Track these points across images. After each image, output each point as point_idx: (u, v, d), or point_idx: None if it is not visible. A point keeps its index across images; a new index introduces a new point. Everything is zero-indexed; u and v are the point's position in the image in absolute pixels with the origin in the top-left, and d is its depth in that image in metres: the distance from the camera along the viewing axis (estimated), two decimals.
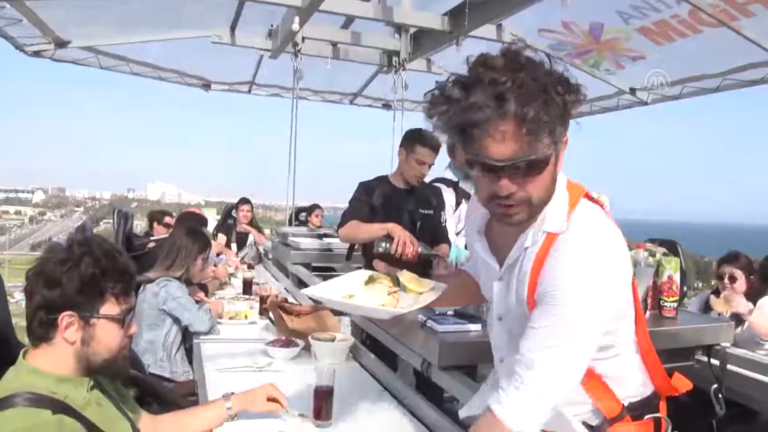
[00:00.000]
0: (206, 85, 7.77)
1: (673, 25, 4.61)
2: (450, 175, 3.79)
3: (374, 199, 3.37)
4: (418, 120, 7.83)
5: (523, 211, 1.24)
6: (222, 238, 6.94)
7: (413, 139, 3.36)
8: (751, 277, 3.72)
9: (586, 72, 5.77)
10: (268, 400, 1.96)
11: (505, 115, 1.12)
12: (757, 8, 4.07)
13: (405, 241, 2.99)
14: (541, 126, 1.14)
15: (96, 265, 1.52)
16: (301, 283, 4.64)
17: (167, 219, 6.03)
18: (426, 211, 3.46)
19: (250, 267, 5.18)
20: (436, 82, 1.25)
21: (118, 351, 1.61)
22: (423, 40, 5.62)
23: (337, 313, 3.09)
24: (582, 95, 1.20)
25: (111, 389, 1.69)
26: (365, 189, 3.44)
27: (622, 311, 1.37)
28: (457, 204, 3.78)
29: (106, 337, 1.57)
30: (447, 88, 1.20)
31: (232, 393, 1.97)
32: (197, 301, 3.39)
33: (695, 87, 5.63)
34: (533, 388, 1.21)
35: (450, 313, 2.38)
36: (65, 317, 1.50)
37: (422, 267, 3.06)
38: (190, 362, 3.22)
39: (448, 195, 3.73)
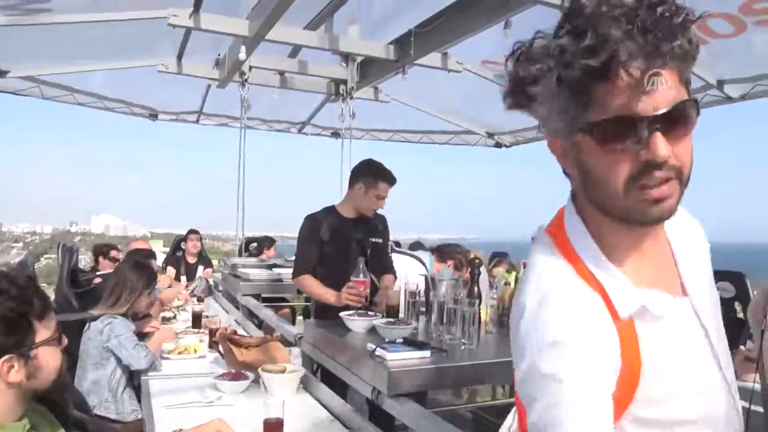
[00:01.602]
0: (153, 115, 7.69)
1: None
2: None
3: (322, 232, 3.38)
4: (365, 147, 7.92)
5: (675, 191, 0.88)
6: (171, 270, 6.84)
7: (375, 174, 3.37)
8: None
9: None
10: None
11: (652, 47, 0.82)
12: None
13: (353, 297, 3.06)
14: (691, 62, 0.88)
15: (10, 299, 1.45)
16: (252, 315, 4.60)
17: (113, 253, 5.90)
18: (375, 239, 3.49)
19: (200, 300, 5.10)
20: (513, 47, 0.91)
21: (61, 368, 1.58)
22: (370, 69, 5.70)
23: (288, 343, 3.09)
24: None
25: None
26: (312, 223, 3.44)
27: None
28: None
29: (50, 361, 1.53)
30: (551, 38, 0.88)
31: (180, 430, 1.93)
32: (143, 335, 3.33)
33: None
34: None
35: (399, 340, 2.39)
36: (4, 364, 1.44)
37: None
38: (140, 400, 3.15)
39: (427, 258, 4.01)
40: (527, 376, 0.88)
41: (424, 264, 4.14)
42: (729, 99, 5.03)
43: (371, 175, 3.38)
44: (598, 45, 0.81)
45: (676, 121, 0.85)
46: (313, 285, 3.35)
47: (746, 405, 1.36)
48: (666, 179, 0.86)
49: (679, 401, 0.93)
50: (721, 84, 4.93)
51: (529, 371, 0.87)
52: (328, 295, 3.22)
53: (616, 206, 0.89)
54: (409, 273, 3.74)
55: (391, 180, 3.39)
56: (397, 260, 3.83)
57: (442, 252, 4.38)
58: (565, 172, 0.99)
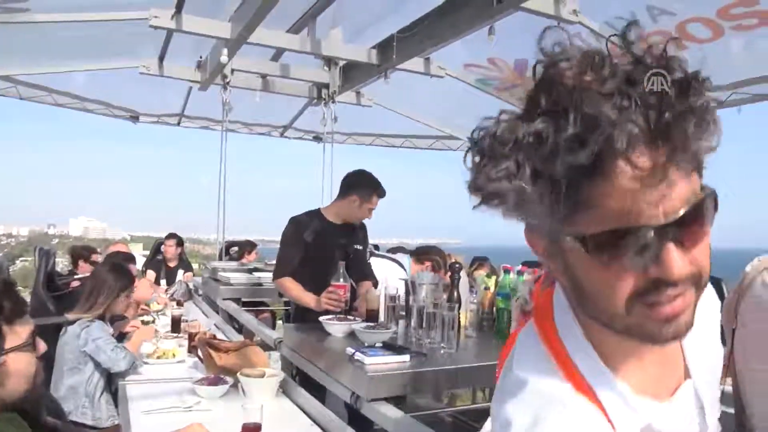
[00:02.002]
0: (134, 117, 7.63)
1: None
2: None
3: (306, 235, 3.38)
4: (347, 151, 7.91)
5: (691, 302, 0.70)
6: (151, 274, 6.78)
7: (371, 188, 3.40)
8: None
9: (513, 105, 5.94)
10: None
11: (659, 135, 0.61)
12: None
13: (332, 302, 3.07)
14: (704, 150, 0.66)
15: None
16: (232, 319, 4.57)
17: (94, 257, 5.83)
18: (357, 246, 3.51)
19: (180, 304, 5.06)
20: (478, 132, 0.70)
21: (35, 377, 1.54)
22: (352, 73, 5.70)
23: (267, 347, 3.07)
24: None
25: None
26: (296, 225, 3.44)
27: None
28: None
29: (21, 368, 1.49)
30: (522, 121, 0.66)
31: None
32: (123, 335, 3.30)
33: None
34: None
35: (378, 345, 2.39)
36: None
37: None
38: (117, 406, 3.11)
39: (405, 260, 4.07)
40: None
41: (403, 267, 4.16)
42: None
43: (368, 189, 3.39)
44: (586, 132, 0.60)
45: (692, 224, 0.66)
46: (293, 288, 3.34)
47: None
48: (681, 293, 0.68)
49: None
50: None
51: None
52: (307, 298, 3.22)
53: (617, 325, 0.71)
54: (389, 278, 3.76)
55: (384, 194, 3.44)
56: (377, 264, 3.84)
57: (419, 254, 4.42)
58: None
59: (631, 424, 0.75)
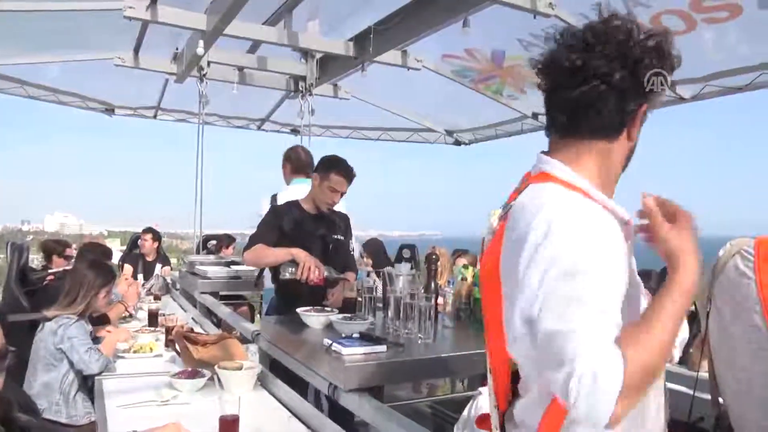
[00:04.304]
0: (110, 110, 7.52)
1: None
2: None
3: (284, 224, 3.36)
4: (325, 144, 7.88)
5: None
6: (128, 268, 6.71)
7: (329, 166, 3.35)
8: None
9: (490, 98, 5.98)
10: None
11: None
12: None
13: (310, 266, 3.01)
14: None
15: None
16: (210, 313, 4.55)
17: (68, 251, 5.75)
18: (337, 236, 3.48)
19: (157, 298, 5.02)
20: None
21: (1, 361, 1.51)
22: (329, 65, 5.69)
23: (245, 340, 3.06)
24: None
25: None
26: (275, 213, 3.43)
27: None
28: None
29: None
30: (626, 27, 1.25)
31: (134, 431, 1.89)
32: (95, 338, 3.25)
33: None
34: None
35: (356, 335, 2.40)
36: None
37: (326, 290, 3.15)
38: (93, 402, 3.07)
39: None
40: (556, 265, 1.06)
41: None
42: (681, 99, 5.15)
43: (325, 166, 3.37)
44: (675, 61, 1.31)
45: None
46: (266, 250, 3.27)
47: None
48: None
49: None
50: (673, 84, 5.03)
51: (567, 257, 1.07)
52: (280, 252, 3.18)
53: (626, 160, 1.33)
54: None
55: (342, 171, 3.34)
56: None
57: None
58: (604, 131, 1.27)
59: (625, 212, 1.22)
